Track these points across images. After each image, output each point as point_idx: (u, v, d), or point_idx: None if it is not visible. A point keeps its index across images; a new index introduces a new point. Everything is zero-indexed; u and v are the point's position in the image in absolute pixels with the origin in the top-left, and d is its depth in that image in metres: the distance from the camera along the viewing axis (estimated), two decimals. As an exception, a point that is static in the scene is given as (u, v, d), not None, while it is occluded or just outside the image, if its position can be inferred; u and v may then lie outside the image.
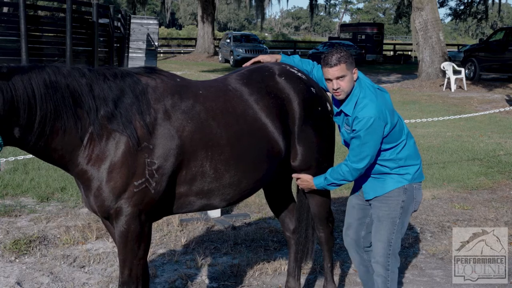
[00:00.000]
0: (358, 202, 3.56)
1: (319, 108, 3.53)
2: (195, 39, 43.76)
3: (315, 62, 3.71)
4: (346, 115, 3.29)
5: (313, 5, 38.39)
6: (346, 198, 6.44)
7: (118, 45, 19.02)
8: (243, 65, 3.77)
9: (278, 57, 3.76)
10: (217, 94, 3.27)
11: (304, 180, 3.55)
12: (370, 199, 3.44)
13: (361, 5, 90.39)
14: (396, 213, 3.34)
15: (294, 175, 3.60)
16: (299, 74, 3.59)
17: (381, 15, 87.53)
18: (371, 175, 3.39)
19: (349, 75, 3.19)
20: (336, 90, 3.21)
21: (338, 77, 3.17)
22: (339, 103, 3.34)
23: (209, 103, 3.18)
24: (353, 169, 3.26)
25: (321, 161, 3.61)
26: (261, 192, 4.17)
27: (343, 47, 3.29)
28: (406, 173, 3.33)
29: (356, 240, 3.59)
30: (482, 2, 37.15)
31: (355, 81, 3.24)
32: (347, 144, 3.43)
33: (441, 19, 26.24)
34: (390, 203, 3.34)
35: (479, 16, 42.48)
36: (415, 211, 3.47)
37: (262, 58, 3.75)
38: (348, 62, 3.17)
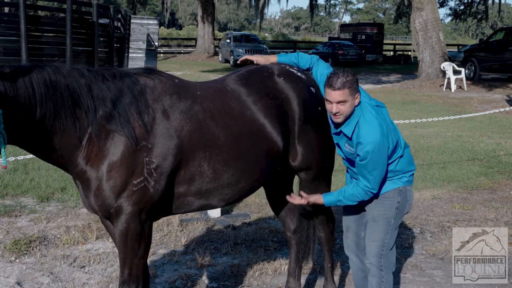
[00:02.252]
0: (352, 205, 3.56)
1: (319, 108, 3.52)
2: (195, 39, 43.79)
3: (313, 58, 3.62)
4: (346, 136, 3.26)
5: (313, 5, 38.38)
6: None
7: (118, 45, 19.01)
8: (238, 61, 3.75)
9: (273, 59, 3.68)
10: (215, 95, 3.28)
11: (314, 199, 3.45)
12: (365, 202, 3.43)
13: (361, 5, 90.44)
14: (391, 213, 3.34)
15: (303, 195, 3.50)
16: (299, 74, 3.58)
17: (381, 15, 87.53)
18: None
19: (351, 101, 3.14)
20: (335, 114, 3.18)
21: (339, 101, 3.13)
22: (337, 123, 3.28)
23: (207, 104, 3.19)
24: (368, 192, 3.25)
25: (322, 161, 3.61)
26: (261, 192, 4.17)
27: (349, 71, 3.19)
28: (402, 177, 3.35)
29: (356, 242, 3.58)
30: (482, 2, 37.15)
31: (356, 106, 3.19)
32: (349, 161, 3.39)
33: (441, 19, 26.26)
34: (386, 204, 3.34)
35: (479, 16, 42.49)
36: (407, 212, 3.47)
37: (256, 58, 3.69)
38: (352, 88, 3.12)
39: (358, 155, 3.18)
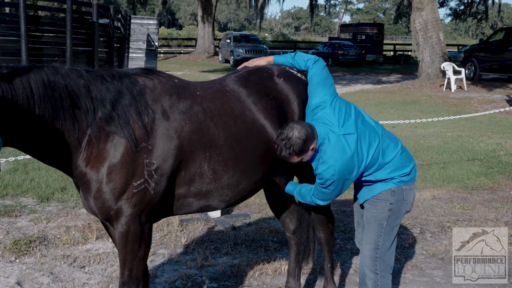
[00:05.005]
0: (359, 203, 3.57)
1: (319, 109, 3.52)
2: (195, 39, 43.83)
3: (309, 61, 3.48)
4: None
5: (313, 5, 38.38)
6: (346, 198, 6.45)
7: (118, 45, 18.99)
8: (238, 67, 3.72)
9: (269, 59, 3.66)
10: (214, 95, 3.25)
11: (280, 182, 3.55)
12: (362, 203, 3.44)
13: (361, 5, 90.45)
14: (383, 215, 3.30)
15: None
16: (299, 74, 3.56)
17: (381, 15, 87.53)
18: (359, 184, 3.39)
19: (305, 156, 3.13)
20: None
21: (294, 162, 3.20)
22: None
23: (207, 104, 3.17)
24: (314, 203, 3.34)
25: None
26: (261, 192, 4.17)
27: (296, 127, 3.07)
28: (393, 179, 3.28)
29: None
30: (482, 2, 37.18)
31: (316, 148, 3.13)
32: None
33: (441, 19, 26.26)
34: (378, 206, 3.31)
35: (479, 16, 42.53)
36: (408, 212, 3.43)
37: (256, 62, 3.67)
38: (301, 151, 3.08)
39: (317, 182, 3.22)
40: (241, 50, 32.89)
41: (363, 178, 3.26)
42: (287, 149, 3.09)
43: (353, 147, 3.11)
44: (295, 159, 3.15)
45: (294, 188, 3.45)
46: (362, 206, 3.50)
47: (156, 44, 22.70)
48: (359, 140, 3.14)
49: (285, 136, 3.08)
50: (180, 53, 43.20)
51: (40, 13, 16.86)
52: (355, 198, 3.56)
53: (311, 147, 3.11)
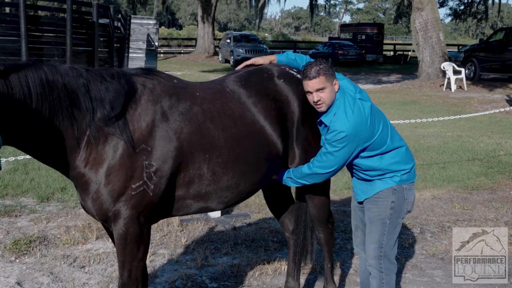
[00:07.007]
0: (357, 204, 3.57)
1: (318, 110, 3.51)
2: (195, 39, 43.84)
3: (308, 57, 3.65)
4: (325, 125, 3.27)
5: (313, 5, 38.33)
6: (346, 198, 6.45)
7: (118, 45, 18.98)
8: (237, 68, 3.72)
9: (272, 58, 3.67)
10: (214, 96, 3.24)
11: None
12: (362, 201, 3.44)
13: (361, 5, 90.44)
14: (385, 214, 3.32)
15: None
16: (299, 75, 3.55)
17: (381, 15, 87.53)
18: (360, 178, 3.39)
19: (329, 87, 3.16)
20: (316, 102, 3.19)
21: (318, 89, 3.15)
22: (320, 113, 3.31)
23: (207, 105, 3.15)
24: (314, 173, 3.27)
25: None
26: (261, 192, 4.18)
27: (322, 60, 3.27)
28: (394, 176, 3.30)
29: (364, 241, 3.58)
30: (482, 2, 37.17)
31: (337, 92, 3.22)
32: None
33: (441, 19, 26.27)
34: (380, 204, 3.32)
35: (479, 16, 42.54)
36: (409, 211, 3.44)
37: (255, 60, 3.68)
38: (327, 74, 3.15)
39: (326, 138, 3.21)
40: (241, 50, 32.89)
41: (368, 153, 3.22)
42: (317, 66, 3.15)
43: (367, 112, 3.18)
44: (318, 83, 3.14)
45: (288, 171, 3.43)
46: (361, 205, 3.50)
47: (156, 44, 22.70)
48: (372, 111, 3.21)
49: (313, 61, 3.23)
50: (180, 53, 43.19)
51: (40, 13, 16.84)
52: (354, 198, 3.57)
53: (334, 81, 3.18)
